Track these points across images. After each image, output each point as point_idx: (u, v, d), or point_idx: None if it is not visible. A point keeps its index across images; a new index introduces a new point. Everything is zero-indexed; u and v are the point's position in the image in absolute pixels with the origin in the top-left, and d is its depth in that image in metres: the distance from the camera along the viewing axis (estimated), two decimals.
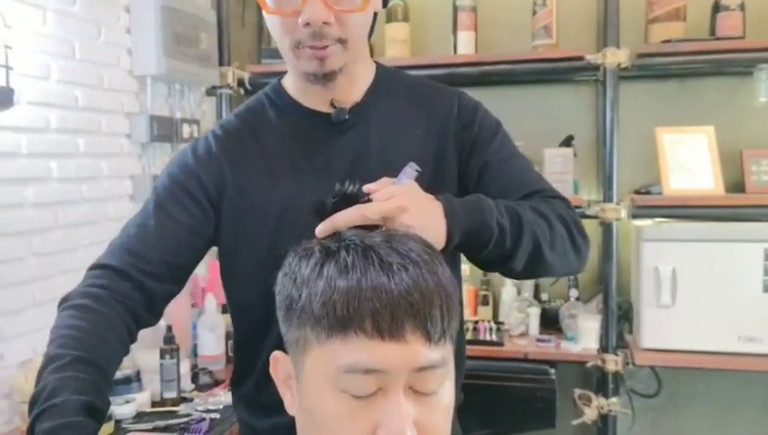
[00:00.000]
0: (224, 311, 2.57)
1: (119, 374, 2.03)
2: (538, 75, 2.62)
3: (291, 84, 1.16)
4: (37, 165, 1.94)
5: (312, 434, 0.78)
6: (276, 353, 0.84)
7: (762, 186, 2.45)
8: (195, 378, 2.25)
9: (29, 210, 1.91)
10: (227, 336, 2.43)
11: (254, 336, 1.12)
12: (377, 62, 1.20)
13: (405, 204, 0.86)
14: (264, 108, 1.17)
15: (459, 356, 1.22)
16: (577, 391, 2.51)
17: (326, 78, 1.06)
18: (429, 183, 1.05)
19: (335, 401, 0.73)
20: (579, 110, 2.75)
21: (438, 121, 1.14)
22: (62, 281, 2.00)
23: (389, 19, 2.71)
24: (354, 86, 1.13)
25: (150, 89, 2.35)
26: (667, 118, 2.60)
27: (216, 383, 2.24)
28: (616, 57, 2.38)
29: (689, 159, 2.45)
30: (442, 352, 0.75)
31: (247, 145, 1.13)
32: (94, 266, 1.07)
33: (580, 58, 2.43)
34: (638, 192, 2.54)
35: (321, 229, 0.83)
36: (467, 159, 1.14)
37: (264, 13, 1.06)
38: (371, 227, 0.83)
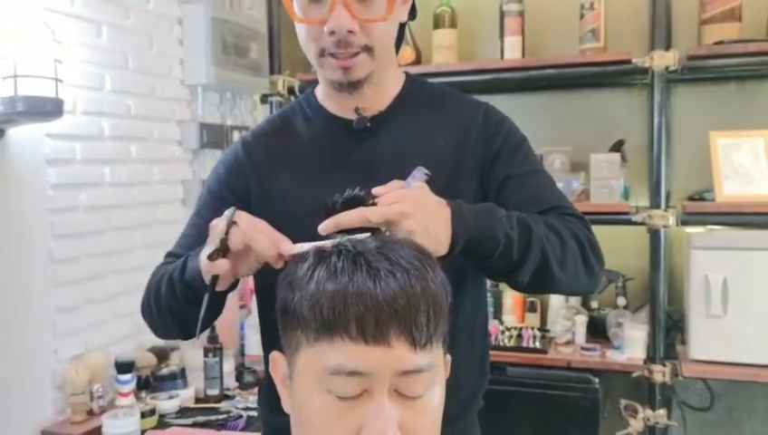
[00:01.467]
0: None
1: (165, 371, 2.13)
2: (586, 79, 2.58)
3: (320, 90, 1.19)
4: (91, 171, 2.06)
5: (301, 433, 0.81)
6: (274, 354, 0.87)
7: None
8: (239, 376, 2.32)
9: (82, 214, 2.02)
10: None
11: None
12: (406, 73, 1.22)
13: (408, 210, 0.87)
14: (295, 113, 1.21)
15: (481, 364, 1.23)
16: (623, 402, 2.45)
17: (351, 87, 1.09)
18: (444, 193, 1.05)
19: (322, 401, 0.75)
20: (631, 113, 2.69)
21: (461, 132, 1.14)
22: (114, 281, 2.12)
23: (437, 25, 2.73)
24: (380, 95, 1.15)
25: (201, 97, 2.45)
26: (724, 122, 2.51)
27: (259, 382, 2.30)
28: (664, 60, 2.32)
29: (744, 165, 2.36)
30: (429, 357, 0.76)
31: (273, 149, 1.17)
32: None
33: (628, 61, 2.38)
34: (691, 198, 2.47)
35: (324, 227, 0.86)
36: (489, 170, 1.14)
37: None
38: (375, 230, 0.86)
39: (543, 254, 0.99)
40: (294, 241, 0.89)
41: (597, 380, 2.38)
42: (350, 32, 1.02)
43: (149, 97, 2.27)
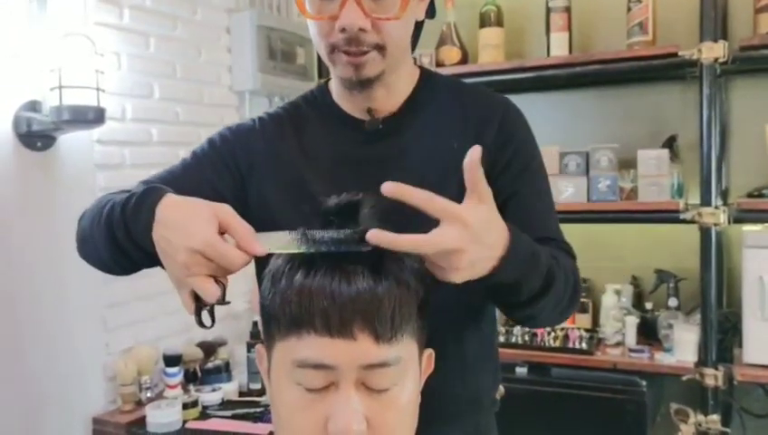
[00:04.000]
0: None
1: (210, 365, 2.22)
2: (634, 74, 2.51)
3: (334, 87, 1.16)
4: (140, 174, 2.15)
5: (276, 424, 0.85)
6: (258, 347, 0.90)
7: None
8: None
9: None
10: None
11: None
12: (422, 69, 1.18)
13: (467, 246, 0.79)
14: (308, 104, 1.18)
15: (489, 361, 1.20)
16: (674, 406, 2.36)
17: (362, 85, 1.06)
18: (457, 197, 1.02)
19: (291, 393, 0.78)
20: (686, 109, 2.59)
21: (476, 134, 1.09)
22: (162, 276, 2.21)
23: (483, 24, 2.72)
24: (392, 96, 1.12)
25: (249, 103, 2.54)
26: None
27: None
28: (713, 52, 2.22)
29: None
30: (395, 351, 0.77)
31: (287, 134, 1.14)
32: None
33: (675, 54, 2.30)
34: (750, 195, 2.36)
35: (374, 239, 0.77)
36: (495, 180, 1.06)
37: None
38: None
39: (545, 307, 0.97)
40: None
41: (644, 383, 2.31)
42: (361, 30, 0.99)
43: (198, 104, 2.38)
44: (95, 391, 2.06)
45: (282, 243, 0.83)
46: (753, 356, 2.20)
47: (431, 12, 1.15)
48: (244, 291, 2.52)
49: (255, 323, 2.27)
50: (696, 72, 2.35)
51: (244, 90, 2.50)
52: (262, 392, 2.22)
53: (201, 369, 2.25)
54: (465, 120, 1.11)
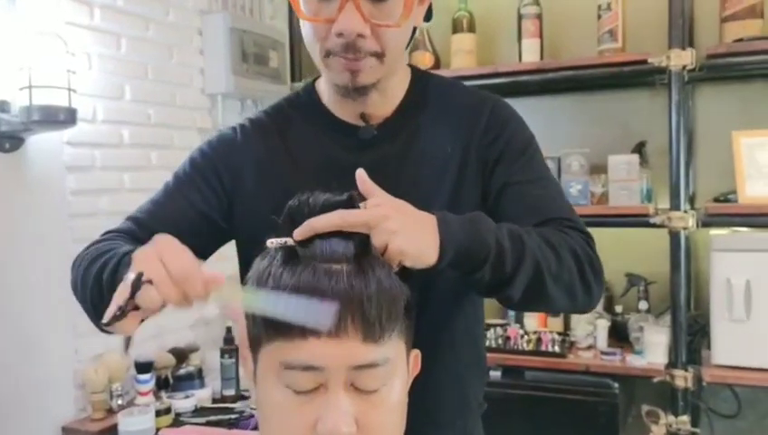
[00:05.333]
0: None
1: (182, 371, 2.18)
2: (604, 81, 2.55)
3: (324, 89, 1.11)
4: (111, 177, 2.13)
5: (263, 427, 0.83)
6: (244, 351, 0.87)
7: None
8: None
9: (102, 219, 2.10)
10: None
11: None
12: (412, 68, 1.15)
13: (389, 212, 0.80)
14: (293, 107, 1.14)
15: (478, 365, 1.20)
16: (645, 408, 2.40)
17: (357, 92, 1.02)
18: (448, 202, 1.03)
19: (280, 395, 0.77)
20: (654, 115, 2.64)
21: (466, 134, 1.08)
22: None
23: (455, 30, 2.74)
24: (386, 100, 1.09)
25: (221, 105, 2.51)
26: (749, 121, 2.44)
27: None
28: (681, 59, 2.28)
29: None
30: (384, 352, 0.77)
31: (272, 141, 1.10)
32: (104, 233, 1.08)
33: (644, 61, 2.34)
34: (717, 200, 2.41)
35: (299, 232, 0.78)
36: (490, 175, 1.07)
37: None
38: (354, 236, 0.80)
39: (537, 267, 0.91)
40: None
41: (616, 385, 2.34)
42: (359, 35, 0.95)
43: (170, 106, 2.35)
44: (65, 398, 2.01)
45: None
46: (721, 357, 2.25)
47: (428, 15, 1.12)
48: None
49: (229, 329, 2.24)
50: (665, 79, 2.40)
51: (216, 92, 2.47)
52: (236, 399, 2.19)
53: (173, 375, 2.21)
54: (456, 121, 1.09)
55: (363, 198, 0.84)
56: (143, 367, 2.10)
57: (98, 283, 0.93)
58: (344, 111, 1.09)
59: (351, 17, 0.93)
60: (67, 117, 1.77)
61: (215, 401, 2.19)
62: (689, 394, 2.34)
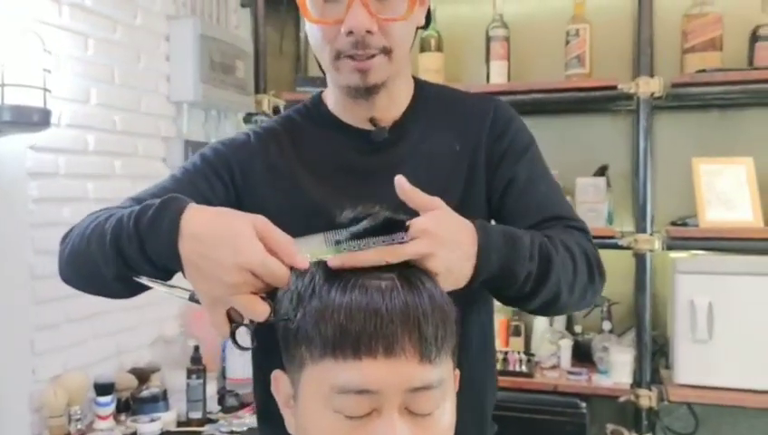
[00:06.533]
0: None
1: (145, 393, 2.06)
2: (570, 105, 2.62)
3: (331, 98, 1.14)
4: (75, 185, 2.00)
5: None
6: (276, 373, 0.83)
7: None
8: (222, 400, 2.26)
9: (66, 229, 1.95)
10: None
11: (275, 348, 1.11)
12: (415, 78, 1.17)
13: (434, 249, 0.80)
14: (303, 117, 1.15)
15: (489, 385, 1.18)
16: (609, 427, 2.44)
17: (368, 92, 1.04)
18: (460, 200, 1.03)
19: (329, 420, 0.72)
20: (615, 139, 2.73)
21: (473, 135, 1.11)
22: (97, 299, 2.03)
23: (423, 49, 2.74)
24: (394, 104, 1.11)
25: (187, 114, 2.41)
26: (706, 148, 2.55)
27: (243, 406, 2.24)
28: (649, 86, 2.35)
29: (727, 191, 2.40)
30: (438, 373, 0.74)
31: (285, 147, 1.11)
32: (100, 210, 1.02)
33: (613, 87, 2.41)
34: (674, 224, 2.49)
35: (339, 263, 0.77)
36: (494, 172, 1.10)
37: (305, 24, 1.05)
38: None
39: (558, 286, 0.95)
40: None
41: (584, 404, 2.37)
42: (368, 32, 0.98)
43: (135, 112, 2.23)
44: (19, 423, 1.85)
45: (314, 249, 0.78)
46: (683, 377, 2.31)
47: (428, 20, 1.15)
48: (175, 314, 2.37)
49: (197, 348, 2.13)
50: (631, 106, 2.48)
51: (182, 100, 2.37)
52: (202, 422, 2.08)
53: (135, 397, 2.07)
54: (461, 122, 1.13)
55: (399, 222, 0.81)
56: (103, 389, 1.97)
57: (114, 232, 0.86)
58: (353, 117, 1.11)
59: (359, 14, 0.96)
60: (41, 119, 1.65)
61: (180, 423, 2.07)
62: (652, 413, 2.40)
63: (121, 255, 0.85)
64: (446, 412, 0.76)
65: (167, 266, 0.83)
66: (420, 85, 1.17)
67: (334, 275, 0.75)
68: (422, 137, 1.11)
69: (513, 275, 0.90)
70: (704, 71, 2.37)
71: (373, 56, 1.00)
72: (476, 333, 1.13)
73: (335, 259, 0.76)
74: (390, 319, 0.71)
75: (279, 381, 0.83)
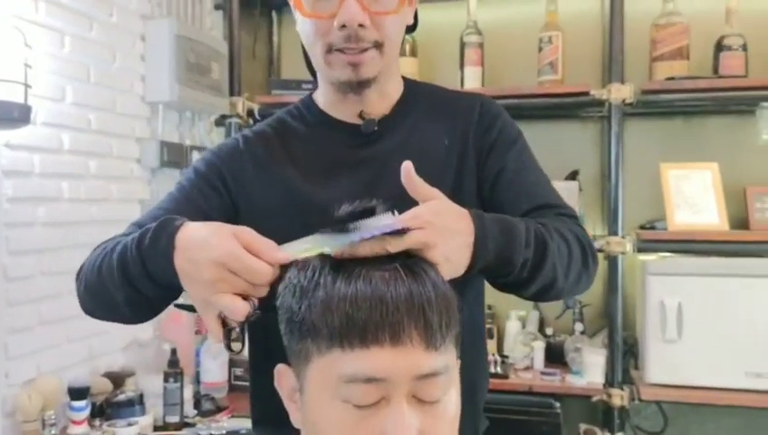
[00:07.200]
0: None
1: (121, 397, 2.02)
2: (544, 110, 2.66)
3: (321, 97, 1.17)
4: (50, 185, 1.96)
5: None
6: (280, 367, 0.84)
7: (765, 223, 2.47)
8: (197, 404, 2.23)
9: (40, 229, 1.92)
10: (231, 363, 2.42)
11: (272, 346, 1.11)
12: (403, 77, 1.20)
13: (433, 239, 0.80)
14: (294, 118, 1.18)
15: (480, 377, 1.21)
16: (582, 426, 2.48)
17: (360, 86, 1.07)
18: (451, 193, 1.02)
19: (338, 411, 0.73)
20: (584, 145, 2.79)
21: (462, 129, 1.14)
22: (71, 301, 1.98)
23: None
24: (384, 99, 1.14)
25: (162, 115, 2.38)
26: (671, 154, 2.62)
27: (220, 410, 2.22)
28: (621, 93, 2.41)
29: (694, 195, 2.47)
30: (444, 359, 0.75)
31: (275, 149, 1.13)
32: (106, 240, 1.04)
33: (586, 93, 2.46)
34: (642, 227, 2.56)
35: (342, 253, 0.77)
36: (484, 163, 1.13)
37: (297, 22, 1.08)
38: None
39: (554, 271, 0.97)
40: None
41: (558, 404, 2.40)
42: (360, 25, 1.00)
43: (110, 112, 2.20)
44: None
45: (301, 249, 0.79)
46: (654, 376, 2.37)
47: (415, 22, 1.17)
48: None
49: (174, 351, 2.10)
50: (601, 112, 2.54)
51: (157, 101, 2.34)
52: (180, 426, 2.05)
53: (110, 402, 2.03)
54: (451, 117, 1.15)
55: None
56: (78, 393, 1.93)
57: (121, 257, 0.91)
58: (344, 113, 1.13)
59: (352, 8, 0.99)
60: (21, 115, 1.62)
61: (156, 428, 2.04)
62: (624, 412, 2.45)
63: (127, 278, 0.90)
64: (452, 400, 0.77)
65: (167, 283, 0.86)
66: (409, 83, 1.20)
67: (337, 267, 0.76)
68: (412, 131, 1.14)
69: (509, 263, 0.92)
70: (673, 78, 2.44)
71: (365, 50, 1.03)
72: (467, 324, 1.13)
73: (336, 249, 0.77)
74: (396, 307, 0.71)
75: (283, 376, 0.83)
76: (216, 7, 2.80)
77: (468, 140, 1.14)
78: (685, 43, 2.50)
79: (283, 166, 1.11)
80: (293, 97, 2.89)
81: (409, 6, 1.12)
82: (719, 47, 2.50)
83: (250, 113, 2.78)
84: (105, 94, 2.17)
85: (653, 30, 2.55)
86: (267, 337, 1.05)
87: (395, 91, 1.16)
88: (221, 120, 2.77)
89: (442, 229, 0.82)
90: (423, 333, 0.72)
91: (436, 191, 0.88)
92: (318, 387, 0.75)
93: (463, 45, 2.70)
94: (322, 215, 0.82)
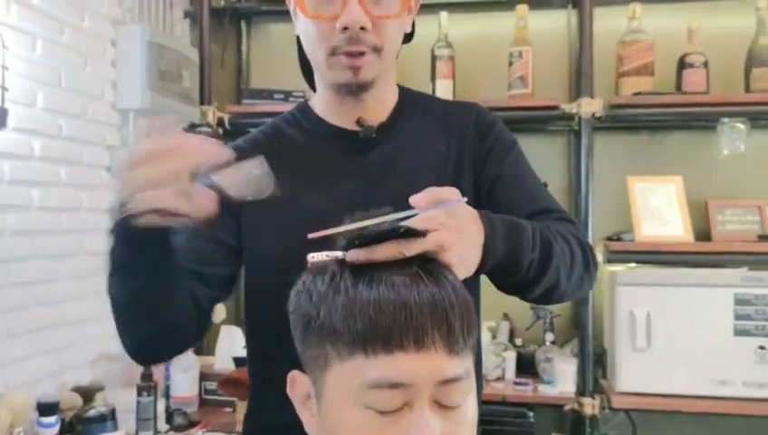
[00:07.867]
0: (197, 352, 2.51)
1: (92, 412, 1.96)
2: (513, 124, 2.68)
3: (318, 103, 1.17)
4: (19, 192, 1.89)
5: None
6: (294, 373, 0.82)
7: (726, 234, 2.55)
8: (170, 419, 2.17)
9: (9, 238, 1.85)
10: (201, 377, 2.37)
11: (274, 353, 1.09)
12: (399, 85, 1.21)
13: (448, 241, 0.79)
14: (289, 125, 1.17)
15: (479, 373, 1.21)
16: None
17: (359, 89, 1.08)
18: None
19: (360, 417, 0.72)
20: (552, 159, 2.83)
21: (458, 136, 1.15)
22: (39, 313, 1.94)
23: None
24: (381, 106, 1.15)
25: (133, 123, 2.33)
26: (637, 168, 2.69)
27: (192, 425, 2.16)
28: (590, 107, 2.47)
29: (660, 207, 2.54)
30: (465, 364, 0.75)
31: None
32: None
33: (556, 107, 2.51)
34: (609, 239, 2.61)
35: (357, 256, 0.76)
36: (480, 169, 1.14)
37: (300, 20, 1.08)
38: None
39: (558, 274, 0.99)
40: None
41: (531, 414, 2.43)
42: (362, 28, 1.02)
43: (81, 118, 2.14)
44: None
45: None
46: (624, 385, 2.41)
47: (412, 31, 1.18)
48: (115, 333, 2.26)
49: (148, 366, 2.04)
50: (570, 126, 2.59)
51: (129, 108, 2.29)
52: None
53: (79, 417, 1.96)
54: (446, 125, 1.17)
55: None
56: (47, 408, 1.85)
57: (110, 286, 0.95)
58: (341, 118, 1.14)
59: (355, 10, 1.01)
60: None
61: None
62: (595, 421, 2.48)
63: (124, 277, 0.92)
64: (471, 405, 0.77)
65: (135, 238, 0.85)
66: (404, 91, 1.21)
67: (357, 271, 0.75)
68: (409, 138, 1.15)
69: (517, 263, 0.93)
70: (639, 93, 2.51)
71: (364, 54, 1.04)
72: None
73: (351, 253, 0.76)
74: (420, 311, 0.71)
75: (296, 382, 0.82)
76: (186, 15, 2.76)
77: (464, 147, 1.15)
78: (650, 59, 2.58)
79: (280, 176, 1.09)
80: (265, 106, 2.89)
81: (409, 15, 1.13)
82: (682, 64, 2.58)
83: (220, 123, 2.74)
84: (76, 100, 2.11)
85: (619, 46, 2.61)
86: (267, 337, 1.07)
87: (391, 97, 1.18)
88: (190, 129, 2.72)
89: (456, 231, 0.82)
90: (446, 338, 0.72)
91: (455, 191, 0.86)
92: (338, 393, 0.73)
93: (434, 58, 2.73)
94: (320, 222, 0.80)
